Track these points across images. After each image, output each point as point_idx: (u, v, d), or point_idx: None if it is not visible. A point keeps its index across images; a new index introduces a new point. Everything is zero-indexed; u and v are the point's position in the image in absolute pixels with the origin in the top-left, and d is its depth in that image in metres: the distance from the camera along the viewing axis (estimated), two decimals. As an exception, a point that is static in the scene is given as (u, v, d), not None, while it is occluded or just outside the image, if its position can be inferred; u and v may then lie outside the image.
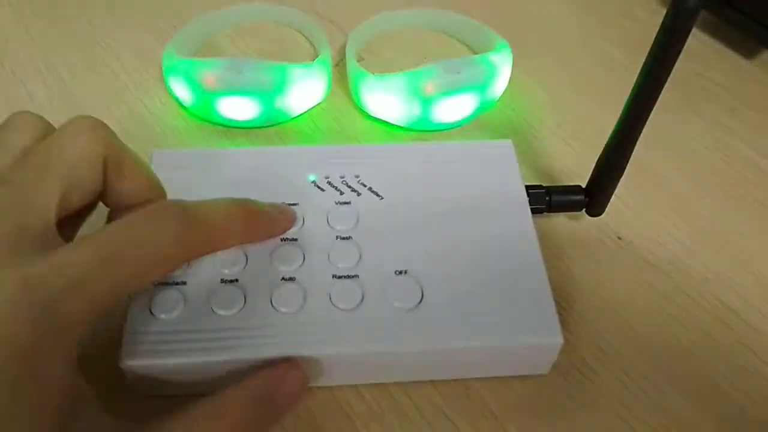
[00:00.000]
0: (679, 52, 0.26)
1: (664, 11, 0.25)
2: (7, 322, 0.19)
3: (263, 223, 0.28)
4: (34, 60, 0.42)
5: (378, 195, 0.31)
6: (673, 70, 0.27)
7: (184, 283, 0.28)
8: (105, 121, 0.38)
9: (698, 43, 0.46)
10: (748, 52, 0.45)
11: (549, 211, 0.33)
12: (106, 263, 0.21)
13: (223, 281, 0.28)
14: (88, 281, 0.20)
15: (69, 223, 0.24)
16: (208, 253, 0.25)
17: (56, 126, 0.25)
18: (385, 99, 0.38)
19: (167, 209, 0.23)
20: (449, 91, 0.37)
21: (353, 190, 0.31)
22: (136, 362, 0.25)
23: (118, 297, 0.21)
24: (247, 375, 0.24)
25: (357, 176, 0.32)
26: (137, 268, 0.22)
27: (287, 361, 0.25)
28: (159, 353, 0.26)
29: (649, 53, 0.27)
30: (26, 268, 0.20)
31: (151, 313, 0.26)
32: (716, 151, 0.39)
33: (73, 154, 0.23)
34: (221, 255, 0.28)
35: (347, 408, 0.28)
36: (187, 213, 0.23)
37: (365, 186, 0.32)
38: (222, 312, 0.27)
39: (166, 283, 0.27)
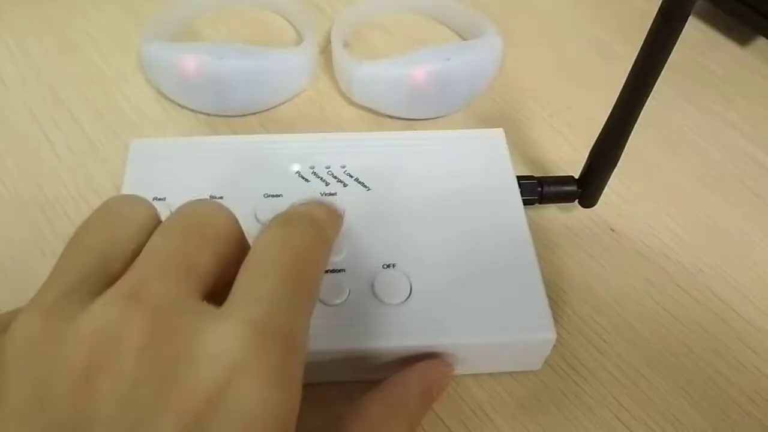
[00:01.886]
0: (676, 39, 0.25)
1: (660, -4, 0.24)
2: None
3: (338, 212, 0.26)
4: (7, 43, 0.41)
5: (365, 186, 0.30)
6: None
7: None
8: (81, 108, 0.37)
9: (692, 30, 0.45)
10: (743, 40, 0.45)
11: (541, 203, 0.33)
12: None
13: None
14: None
15: None
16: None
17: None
18: (373, 86, 0.37)
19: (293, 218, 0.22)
20: (438, 78, 0.36)
21: (339, 181, 0.30)
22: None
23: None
24: (406, 366, 0.26)
25: (343, 166, 0.31)
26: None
27: (438, 357, 0.26)
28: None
29: (645, 41, 0.26)
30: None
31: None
32: (711, 141, 0.39)
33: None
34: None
35: (334, 406, 0.27)
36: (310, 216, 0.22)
37: (351, 176, 0.30)
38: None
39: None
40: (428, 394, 0.26)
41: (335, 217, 0.24)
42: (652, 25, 0.25)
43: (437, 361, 0.26)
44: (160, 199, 0.29)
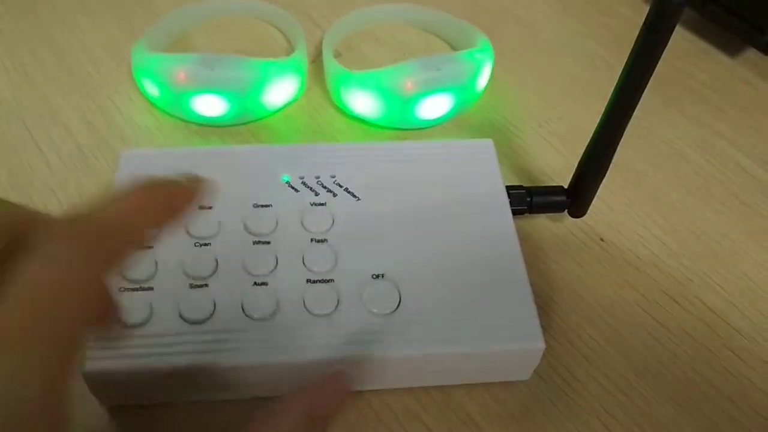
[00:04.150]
0: (663, 49, 0.25)
1: (647, 8, 0.24)
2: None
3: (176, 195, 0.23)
4: (0, 55, 0.41)
5: (354, 196, 0.30)
6: (656, 69, 0.26)
7: (151, 288, 0.26)
8: (73, 120, 0.37)
9: (681, 41, 0.45)
10: (732, 50, 0.45)
11: (530, 213, 0.33)
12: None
13: (192, 286, 0.27)
14: None
15: None
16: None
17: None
18: (363, 96, 0.37)
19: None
20: (429, 88, 0.37)
21: (329, 191, 0.30)
22: (102, 367, 0.24)
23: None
24: (293, 393, 0.22)
25: (333, 176, 0.31)
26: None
27: (333, 373, 0.23)
28: (125, 358, 0.24)
29: (632, 51, 0.26)
30: None
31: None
32: (700, 151, 0.39)
33: None
34: (188, 258, 0.27)
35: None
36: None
37: (341, 186, 0.31)
38: (191, 318, 0.26)
39: (132, 289, 0.26)
40: (319, 419, 0.22)
41: None
42: (638, 36, 0.25)
43: (330, 378, 0.23)
44: (149, 210, 0.29)
